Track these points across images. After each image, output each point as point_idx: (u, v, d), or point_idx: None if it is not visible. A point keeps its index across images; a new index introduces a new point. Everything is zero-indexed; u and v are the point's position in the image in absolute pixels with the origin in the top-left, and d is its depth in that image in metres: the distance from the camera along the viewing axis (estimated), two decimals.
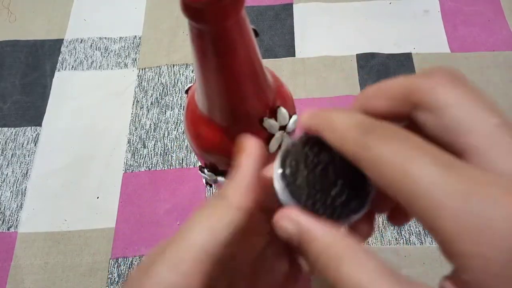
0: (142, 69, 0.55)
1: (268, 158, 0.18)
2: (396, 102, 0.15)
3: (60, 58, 0.56)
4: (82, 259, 0.44)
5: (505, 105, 0.51)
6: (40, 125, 0.51)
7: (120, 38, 0.57)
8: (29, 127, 0.51)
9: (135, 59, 0.55)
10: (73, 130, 0.51)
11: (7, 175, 0.48)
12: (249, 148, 0.17)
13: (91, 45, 0.57)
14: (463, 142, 0.13)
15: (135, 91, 0.53)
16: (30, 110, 0.52)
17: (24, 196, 0.47)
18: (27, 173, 0.48)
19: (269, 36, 0.56)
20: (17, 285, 0.42)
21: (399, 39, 0.56)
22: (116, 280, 0.42)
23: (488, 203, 0.11)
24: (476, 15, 0.57)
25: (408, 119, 0.15)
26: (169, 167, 0.48)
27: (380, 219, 0.44)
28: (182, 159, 0.49)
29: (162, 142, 0.50)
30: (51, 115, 0.52)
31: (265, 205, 0.18)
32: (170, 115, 0.51)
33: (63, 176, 0.48)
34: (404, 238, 0.43)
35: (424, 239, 0.43)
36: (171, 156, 0.49)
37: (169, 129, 0.51)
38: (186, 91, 0.31)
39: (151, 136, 0.50)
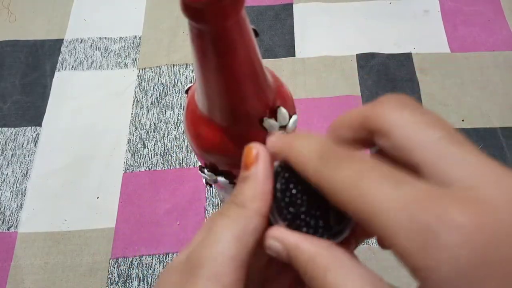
0: (142, 69, 0.55)
1: None
2: (356, 131, 0.16)
3: (60, 58, 0.56)
4: (82, 259, 0.44)
5: (505, 105, 0.51)
6: (40, 125, 0.51)
7: (120, 38, 0.57)
8: (29, 127, 0.51)
9: (135, 59, 0.55)
10: (73, 130, 0.51)
11: (7, 175, 0.48)
12: (260, 153, 0.18)
13: (91, 45, 0.57)
14: (414, 158, 0.14)
15: (135, 91, 0.53)
16: (30, 110, 0.52)
17: (24, 196, 0.47)
18: (27, 173, 0.48)
19: (269, 36, 0.56)
20: (17, 285, 0.42)
21: (399, 39, 0.56)
22: (116, 280, 0.42)
23: (432, 216, 0.12)
24: (476, 15, 0.57)
25: (374, 144, 0.16)
26: (169, 167, 0.48)
27: None
28: (182, 159, 0.49)
29: (162, 142, 0.50)
30: (51, 115, 0.52)
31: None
32: (170, 115, 0.51)
33: (63, 176, 0.48)
34: None
35: None
36: (171, 156, 0.49)
37: (169, 129, 0.51)
38: (186, 91, 0.31)
39: (151, 136, 0.50)
